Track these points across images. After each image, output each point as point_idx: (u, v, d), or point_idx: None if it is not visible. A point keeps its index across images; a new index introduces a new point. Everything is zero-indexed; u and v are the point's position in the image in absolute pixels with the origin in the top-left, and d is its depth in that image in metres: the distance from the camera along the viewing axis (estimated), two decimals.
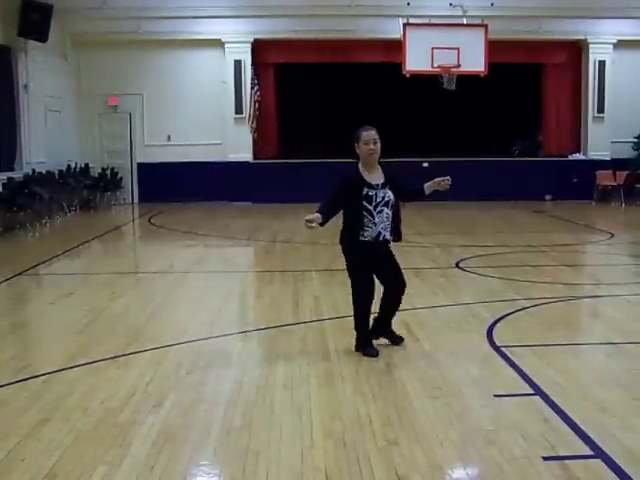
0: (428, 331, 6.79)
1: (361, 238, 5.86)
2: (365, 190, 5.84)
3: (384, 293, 6.12)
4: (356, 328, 6.10)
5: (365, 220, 5.84)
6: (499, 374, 5.54)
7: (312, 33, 19.53)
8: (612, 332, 6.94)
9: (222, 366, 5.82)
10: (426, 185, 6.07)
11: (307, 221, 5.66)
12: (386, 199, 5.89)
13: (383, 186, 5.91)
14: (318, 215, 5.71)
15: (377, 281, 6.09)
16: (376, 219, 5.87)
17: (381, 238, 5.92)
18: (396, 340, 6.28)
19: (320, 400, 4.99)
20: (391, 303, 6.13)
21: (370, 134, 5.92)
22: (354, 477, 3.85)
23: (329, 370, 5.61)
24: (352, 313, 6.10)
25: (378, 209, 5.86)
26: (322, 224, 5.76)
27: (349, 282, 6.07)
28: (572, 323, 7.58)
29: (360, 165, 5.98)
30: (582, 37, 20.52)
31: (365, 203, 5.83)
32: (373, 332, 6.17)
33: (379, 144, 5.92)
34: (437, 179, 6.00)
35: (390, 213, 5.93)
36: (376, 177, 5.94)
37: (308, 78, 20.65)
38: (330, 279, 9.19)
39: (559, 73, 21.22)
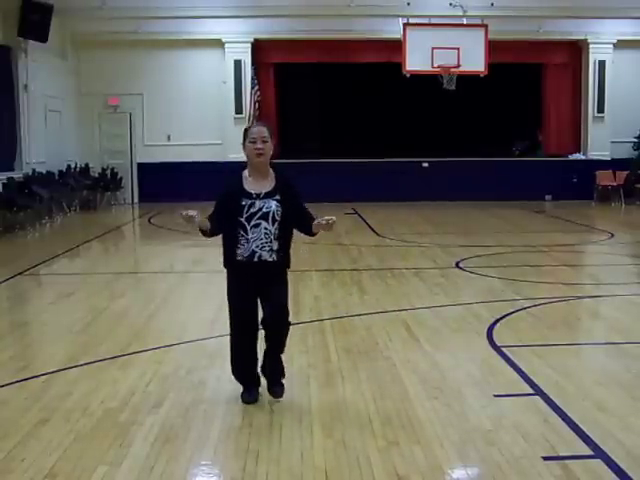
0: (428, 331, 6.79)
1: (237, 258, 4.82)
2: (242, 200, 4.79)
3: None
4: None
5: (238, 236, 4.78)
6: (499, 374, 5.53)
7: (312, 33, 19.54)
8: (612, 332, 6.95)
9: (222, 366, 5.80)
10: (315, 222, 4.86)
11: (184, 214, 4.68)
12: (264, 210, 4.76)
13: (267, 195, 4.81)
14: (206, 223, 4.79)
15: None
16: (249, 234, 4.77)
17: (256, 258, 4.78)
18: (273, 390, 4.99)
19: (320, 400, 4.99)
20: (267, 341, 4.97)
21: (259, 130, 4.87)
22: (354, 477, 3.85)
23: (329, 370, 5.61)
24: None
25: (253, 222, 4.76)
26: (206, 232, 4.86)
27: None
28: (572, 323, 7.58)
29: (246, 170, 4.95)
30: (582, 37, 20.54)
31: (238, 216, 4.78)
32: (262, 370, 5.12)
33: (270, 144, 4.86)
34: (320, 220, 4.79)
35: (271, 229, 4.78)
36: (261, 185, 4.85)
37: (308, 78, 20.66)
38: (330, 279, 9.19)
39: (559, 73, 21.24)
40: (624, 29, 20.23)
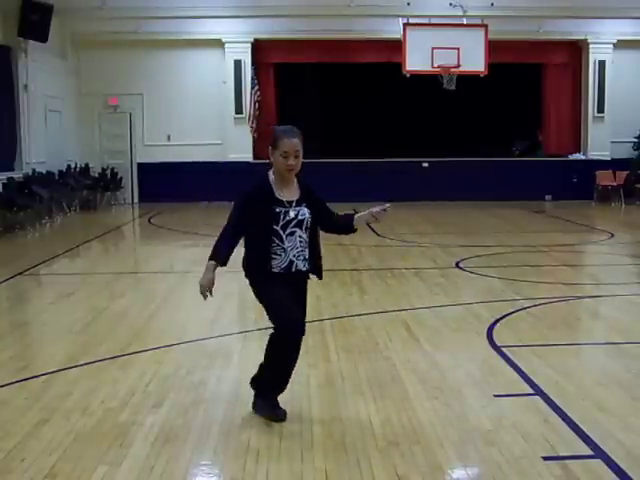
0: (428, 331, 6.79)
1: (273, 269, 4.51)
2: (276, 208, 4.49)
3: None
4: (260, 387, 4.75)
5: (273, 245, 4.48)
6: (499, 374, 5.53)
7: (312, 33, 19.54)
8: (612, 332, 6.95)
9: (222, 366, 5.82)
10: (358, 216, 4.62)
11: (203, 287, 4.44)
12: (300, 217, 4.52)
13: (298, 203, 4.55)
14: (215, 271, 4.47)
15: None
16: (286, 244, 4.50)
17: (294, 269, 4.52)
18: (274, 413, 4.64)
19: (320, 400, 4.99)
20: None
21: (292, 143, 4.44)
22: (354, 477, 3.85)
23: (329, 370, 5.61)
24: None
25: (288, 230, 4.49)
26: (223, 264, 4.52)
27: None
28: (572, 323, 7.58)
29: (271, 175, 4.59)
30: (582, 37, 20.54)
31: (272, 224, 4.48)
32: (252, 384, 4.82)
33: (301, 158, 4.49)
34: (374, 209, 4.54)
35: (304, 237, 4.55)
36: (290, 192, 4.57)
37: (308, 78, 20.67)
38: (330, 279, 9.17)
39: (559, 73, 21.24)
40: (624, 29, 20.24)
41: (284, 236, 4.48)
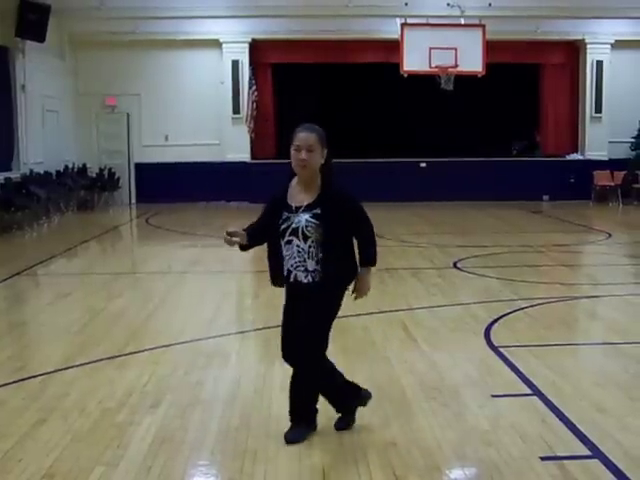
0: (425, 331, 6.78)
1: (281, 275, 4.35)
2: (283, 213, 4.27)
3: None
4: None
5: (281, 251, 4.30)
6: (497, 374, 5.53)
7: (310, 33, 19.52)
8: (610, 332, 6.95)
9: (220, 366, 5.82)
10: (359, 273, 4.34)
11: (228, 234, 4.24)
12: (294, 226, 4.20)
13: (307, 209, 4.21)
14: (244, 234, 4.30)
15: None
16: (284, 252, 4.28)
17: (292, 279, 4.28)
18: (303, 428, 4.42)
19: (319, 400, 4.97)
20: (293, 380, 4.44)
21: (306, 137, 4.22)
22: (352, 478, 3.85)
23: None
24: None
25: (286, 239, 4.25)
26: (243, 248, 4.36)
27: None
28: (570, 323, 7.58)
29: (295, 177, 4.35)
30: (580, 37, 20.54)
31: (277, 229, 4.28)
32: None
33: (317, 153, 4.22)
34: (356, 290, 4.37)
35: (303, 246, 4.21)
36: (304, 196, 4.26)
37: (306, 78, 20.63)
38: None
39: (557, 73, 21.24)
40: (622, 29, 20.24)
41: (283, 244, 4.27)
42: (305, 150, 4.18)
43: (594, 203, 19.93)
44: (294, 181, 4.34)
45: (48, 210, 16.49)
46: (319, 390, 4.45)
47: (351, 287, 4.37)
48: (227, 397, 5.08)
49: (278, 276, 4.36)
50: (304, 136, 4.22)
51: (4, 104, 16.33)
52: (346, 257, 4.29)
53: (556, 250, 11.90)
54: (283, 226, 4.24)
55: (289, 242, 4.24)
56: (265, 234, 4.37)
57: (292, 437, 4.31)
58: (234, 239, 4.25)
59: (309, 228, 4.19)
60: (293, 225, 4.21)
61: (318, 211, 4.19)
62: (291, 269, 4.27)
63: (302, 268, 4.24)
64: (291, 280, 4.28)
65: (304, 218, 4.19)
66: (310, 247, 4.20)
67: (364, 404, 4.58)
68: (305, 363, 4.33)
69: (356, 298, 4.41)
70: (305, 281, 4.25)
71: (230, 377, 5.53)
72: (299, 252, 4.23)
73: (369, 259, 4.35)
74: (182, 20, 19.15)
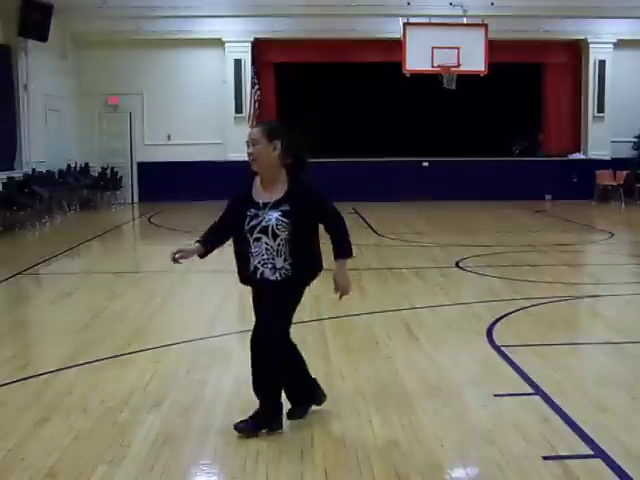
0: (428, 331, 6.78)
1: (244, 272, 4.44)
2: (248, 210, 4.33)
3: None
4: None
5: (246, 248, 4.36)
6: (499, 374, 5.53)
7: (312, 32, 19.54)
8: (612, 332, 6.94)
9: (222, 365, 5.82)
10: (336, 265, 4.51)
11: (175, 254, 4.53)
12: (264, 224, 4.25)
13: (275, 205, 4.27)
14: (197, 246, 4.52)
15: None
16: (252, 249, 4.33)
17: (258, 276, 4.34)
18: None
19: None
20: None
21: (250, 132, 4.42)
22: (354, 477, 3.85)
23: (329, 370, 5.60)
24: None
25: (254, 236, 4.30)
26: (202, 255, 4.57)
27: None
28: (572, 323, 7.58)
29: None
30: (582, 37, 20.54)
31: (243, 227, 4.33)
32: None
33: (261, 147, 4.29)
34: (336, 284, 4.52)
35: (272, 244, 4.27)
36: (272, 193, 4.32)
37: (308, 78, 20.64)
38: (330, 278, 9.16)
39: (559, 73, 21.24)
40: (624, 29, 20.23)
41: (251, 241, 4.31)
42: (250, 144, 4.33)
43: (596, 202, 19.90)
44: (257, 179, 4.43)
45: (50, 209, 16.50)
46: (279, 377, 4.49)
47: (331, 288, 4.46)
48: (229, 396, 5.08)
49: (241, 271, 4.44)
50: (250, 131, 4.44)
51: (7, 103, 16.34)
52: (312, 253, 4.40)
53: (558, 249, 11.89)
54: (252, 223, 4.30)
55: (258, 239, 4.30)
56: (227, 233, 4.48)
57: (241, 426, 4.36)
58: (177, 256, 4.51)
59: (279, 227, 4.26)
60: (263, 223, 4.27)
61: (287, 208, 4.26)
62: (258, 266, 4.33)
63: (270, 265, 4.31)
64: (257, 277, 4.35)
65: (274, 216, 4.25)
66: (279, 245, 4.28)
67: (319, 403, 4.70)
68: (264, 347, 4.39)
69: (341, 297, 4.49)
70: (272, 278, 4.32)
71: (232, 376, 5.53)
72: (267, 250, 4.29)
73: (345, 251, 4.44)
74: (185, 19, 19.15)
